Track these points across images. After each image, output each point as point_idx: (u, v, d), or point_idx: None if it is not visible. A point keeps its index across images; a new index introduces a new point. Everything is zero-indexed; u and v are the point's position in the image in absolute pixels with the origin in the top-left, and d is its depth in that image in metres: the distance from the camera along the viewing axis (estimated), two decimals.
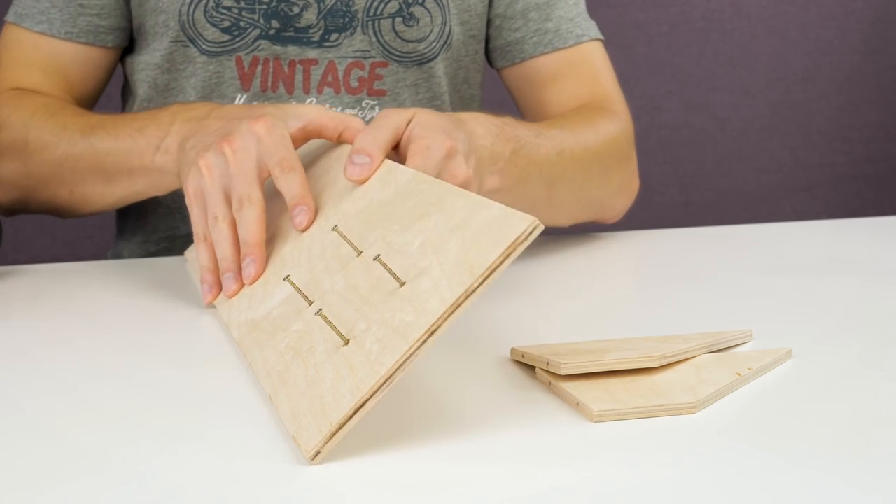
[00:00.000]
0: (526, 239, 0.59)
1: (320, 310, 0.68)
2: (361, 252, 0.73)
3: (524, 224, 0.60)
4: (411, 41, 1.15)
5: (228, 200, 0.85)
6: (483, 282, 0.60)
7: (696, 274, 1.04)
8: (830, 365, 0.78)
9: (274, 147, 0.85)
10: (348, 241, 0.75)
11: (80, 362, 0.79)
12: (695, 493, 0.58)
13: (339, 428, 0.59)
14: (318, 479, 0.59)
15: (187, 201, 0.88)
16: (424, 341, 0.60)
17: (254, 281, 0.83)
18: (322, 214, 0.84)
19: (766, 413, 0.70)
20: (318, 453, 0.60)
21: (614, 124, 1.13)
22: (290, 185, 0.84)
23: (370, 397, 0.60)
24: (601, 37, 1.23)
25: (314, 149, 0.98)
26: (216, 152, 0.86)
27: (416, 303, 0.63)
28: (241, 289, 0.84)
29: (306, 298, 0.74)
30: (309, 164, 0.94)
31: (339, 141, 0.91)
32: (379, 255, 0.68)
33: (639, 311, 0.89)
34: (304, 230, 0.83)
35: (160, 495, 0.58)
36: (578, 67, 1.20)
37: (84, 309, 0.92)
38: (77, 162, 1.05)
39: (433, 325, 0.60)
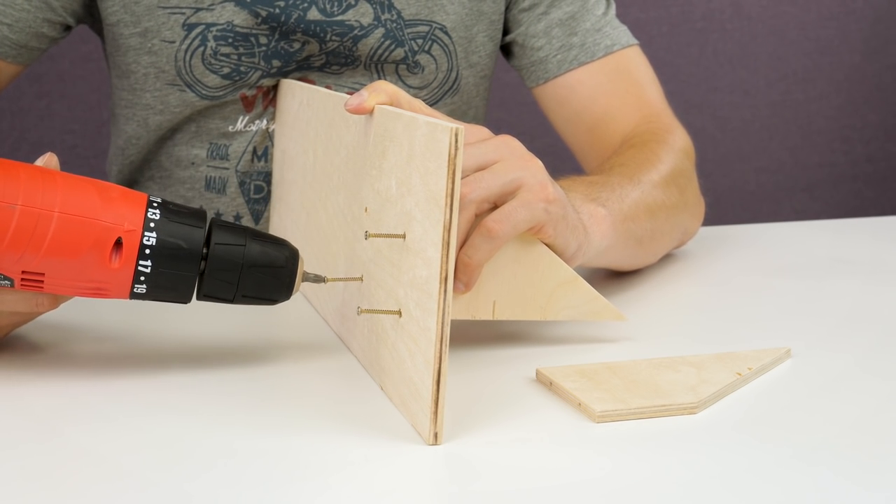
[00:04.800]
0: (458, 148, 0.61)
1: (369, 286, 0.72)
2: (367, 207, 0.76)
3: (447, 136, 0.62)
4: (413, 87, 1.12)
5: None
6: (451, 209, 0.62)
7: (697, 274, 1.04)
8: (829, 364, 0.79)
9: None
10: (353, 206, 0.78)
11: (80, 362, 0.79)
12: (698, 492, 0.59)
13: (437, 405, 0.63)
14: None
15: None
16: (445, 291, 0.62)
17: None
18: (325, 176, 0.87)
19: (767, 412, 0.70)
20: (435, 435, 0.64)
21: (673, 149, 1.06)
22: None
23: (441, 364, 0.63)
24: (634, 41, 1.16)
25: (294, 108, 1.00)
26: None
27: (420, 253, 0.65)
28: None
29: (356, 278, 0.77)
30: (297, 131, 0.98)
31: None
32: (369, 208, 0.73)
33: (639, 311, 0.90)
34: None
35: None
36: (616, 82, 1.14)
37: (85, 309, 0.92)
38: None
39: (441, 272, 0.62)
